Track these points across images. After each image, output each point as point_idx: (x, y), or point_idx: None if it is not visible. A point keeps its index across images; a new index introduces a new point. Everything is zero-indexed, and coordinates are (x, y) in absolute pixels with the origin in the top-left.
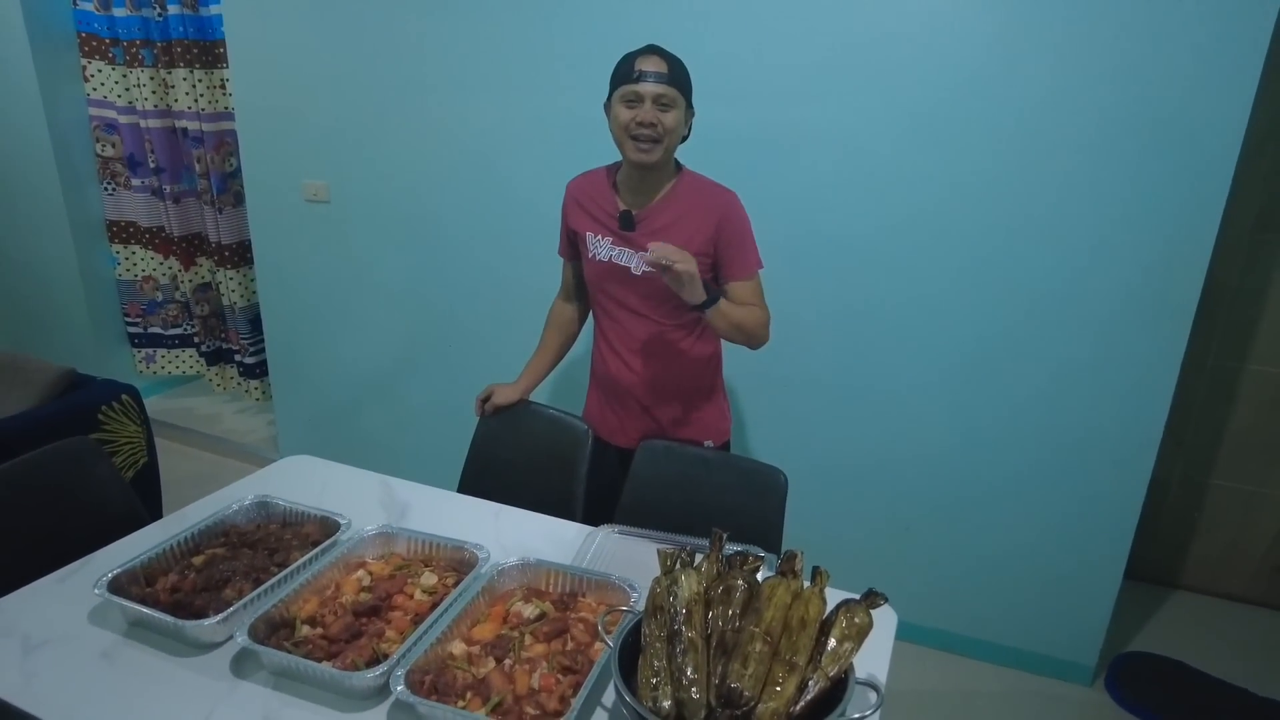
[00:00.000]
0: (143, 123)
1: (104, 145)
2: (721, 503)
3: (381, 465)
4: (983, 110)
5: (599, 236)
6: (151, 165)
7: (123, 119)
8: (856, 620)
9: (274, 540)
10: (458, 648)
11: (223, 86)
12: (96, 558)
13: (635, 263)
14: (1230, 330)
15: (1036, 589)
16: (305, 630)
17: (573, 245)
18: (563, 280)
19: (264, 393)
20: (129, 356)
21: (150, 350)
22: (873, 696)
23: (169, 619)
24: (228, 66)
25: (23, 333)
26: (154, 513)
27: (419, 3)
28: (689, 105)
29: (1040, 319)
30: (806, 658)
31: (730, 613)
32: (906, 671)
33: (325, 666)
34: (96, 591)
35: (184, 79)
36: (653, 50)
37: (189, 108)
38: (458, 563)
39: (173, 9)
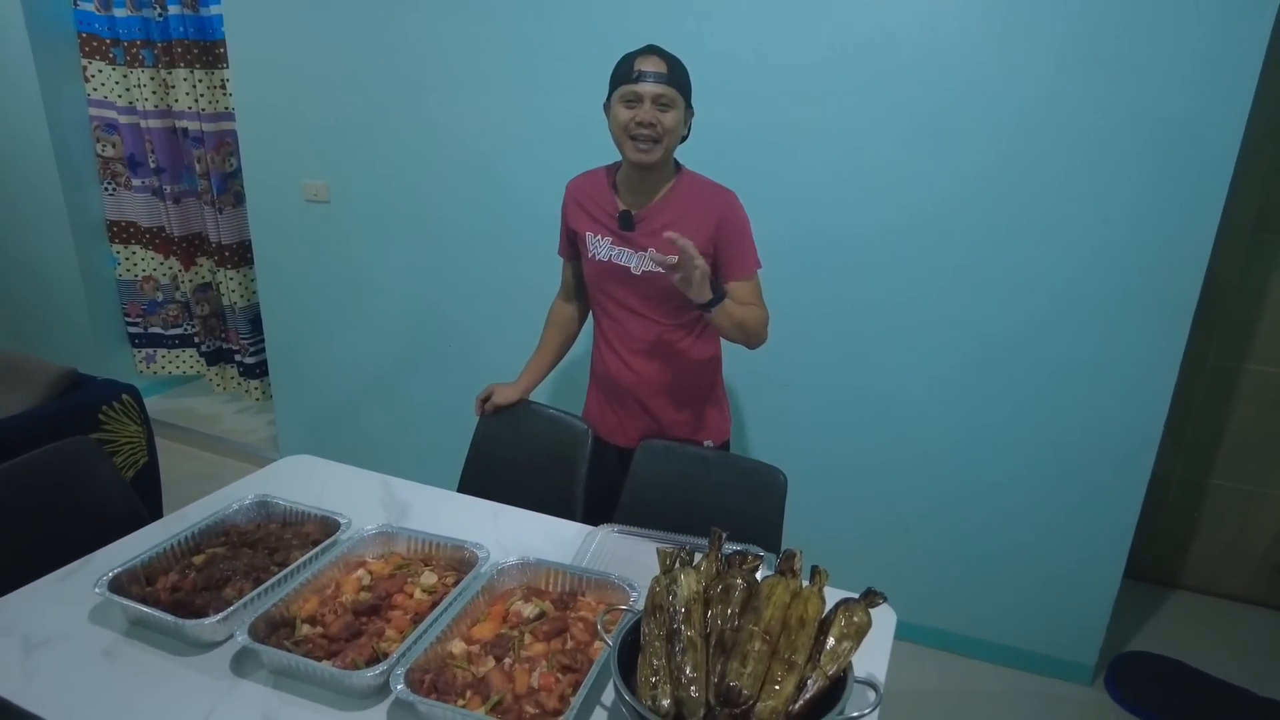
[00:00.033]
0: (143, 123)
1: (104, 145)
2: (721, 502)
3: (381, 465)
4: (982, 110)
5: (598, 236)
6: (152, 165)
7: (123, 119)
8: (855, 619)
9: (274, 540)
10: (457, 647)
11: (223, 87)
12: (97, 557)
13: (635, 262)
14: (1230, 330)
15: (1036, 588)
16: (305, 629)
17: (572, 245)
18: (562, 280)
19: (264, 393)
20: (129, 356)
21: (150, 350)
22: (871, 695)
23: (169, 618)
24: (228, 67)
25: (23, 332)
26: (154, 512)
27: (419, 3)
28: (688, 105)
29: (1039, 318)
30: (805, 656)
31: (729, 612)
32: (906, 671)
33: (325, 665)
34: (97, 591)
35: (184, 79)
36: (652, 50)
37: (189, 108)
38: (458, 562)
39: (173, 9)
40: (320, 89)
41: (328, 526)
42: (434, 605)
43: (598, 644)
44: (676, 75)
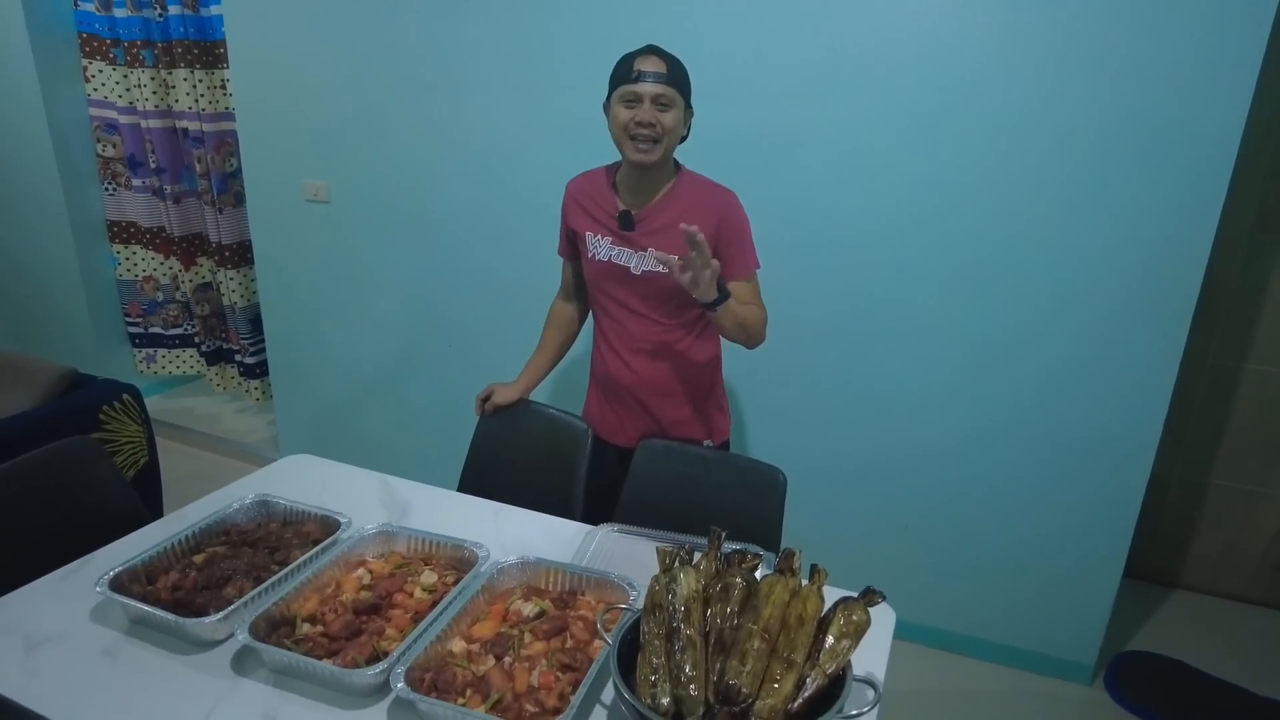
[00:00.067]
0: (143, 123)
1: (105, 145)
2: (721, 502)
3: (382, 465)
4: (982, 110)
5: (598, 236)
6: (152, 165)
7: (123, 119)
8: (854, 618)
9: (274, 539)
10: (458, 645)
11: (223, 87)
12: (98, 556)
13: (635, 262)
14: (1230, 329)
15: (1036, 588)
16: (306, 628)
17: (572, 245)
18: (562, 280)
19: (264, 392)
20: (129, 356)
21: (151, 350)
22: (870, 693)
23: (170, 617)
24: (228, 67)
25: (24, 332)
26: (155, 512)
27: (419, 3)
28: (688, 105)
29: (1039, 318)
30: (804, 655)
31: (728, 610)
32: (906, 671)
33: (326, 664)
34: (98, 590)
35: (184, 79)
36: (651, 50)
37: (189, 108)
38: (458, 561)
39: (173, 9)
40: (320, 89)
41: (328, 526)
42: (434, 604)
43: (597, 643)
44: (676, 75)
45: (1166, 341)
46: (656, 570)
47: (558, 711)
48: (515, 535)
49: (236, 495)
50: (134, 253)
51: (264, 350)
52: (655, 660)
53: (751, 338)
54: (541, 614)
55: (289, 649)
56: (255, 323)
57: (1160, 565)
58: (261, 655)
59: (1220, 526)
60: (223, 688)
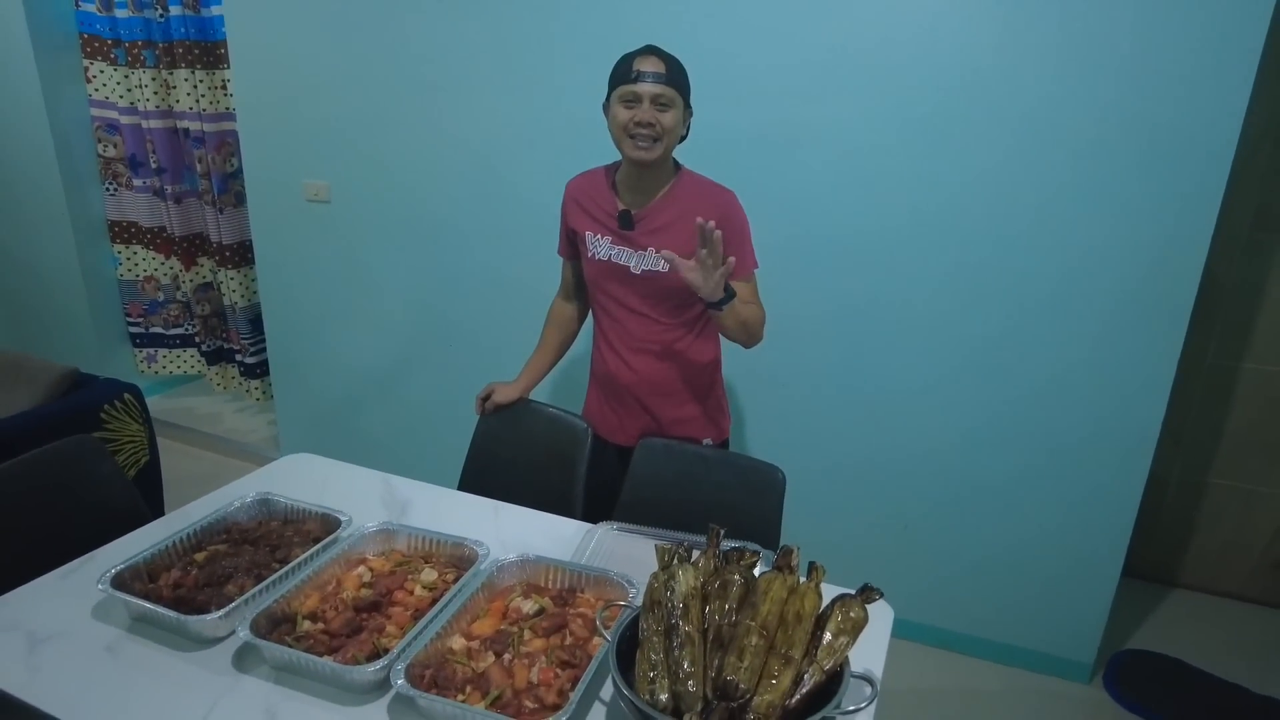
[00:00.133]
0: (144, 123)
1: (106, 146)
2: (720, 500)
3: (382, 464)
4: (981, 111)
5: (598, 236)
6: (153, 165)
7: (124, 119)
8: (852, 615)
9: (275, 537)
10: (457, 643)
11: (224, 87)
12: (99, 554)
13: (635, 262)
14: (1228, 329)
15: (1035, 587)
16: (306, 625)
17: (572, 244)
18: (562, 279)
19: (264, 392)
20: (130, 356)
21: (151, 350)
22: (867, 690)
23: (172, 614)
24: (229, 67)
25: (25, 332)
26: (156, 511)
27: (419, 3)
28: (687, 105)
29: (1038, 318)
30: (802, 651)
31: (726, 607)
32: (905, 669)
33: (326, 661)
34: (100, 587)
35: (185, 79)
36: (651, 50)
37: (190, 108)
38: (458, 559)
39: (174, 10)
40: (321, 89)
41: (329, 524)
42: (434, 602)
43: (596, 640)
44: (675, 75)
45: (1165, 341)
46: (655, 568)
47: (557, 708)
48: (515, 533)
49: (238, 494)
50: (135, 253)
51: (264, 350)
52: (654, 657)
53: (752, 337)
54: (541, 611)
55: (290, 646)
56: (256, 323)
57: (1159, 564)
58: (262, 652)
59: (1218, 525)
60: (224, 684)
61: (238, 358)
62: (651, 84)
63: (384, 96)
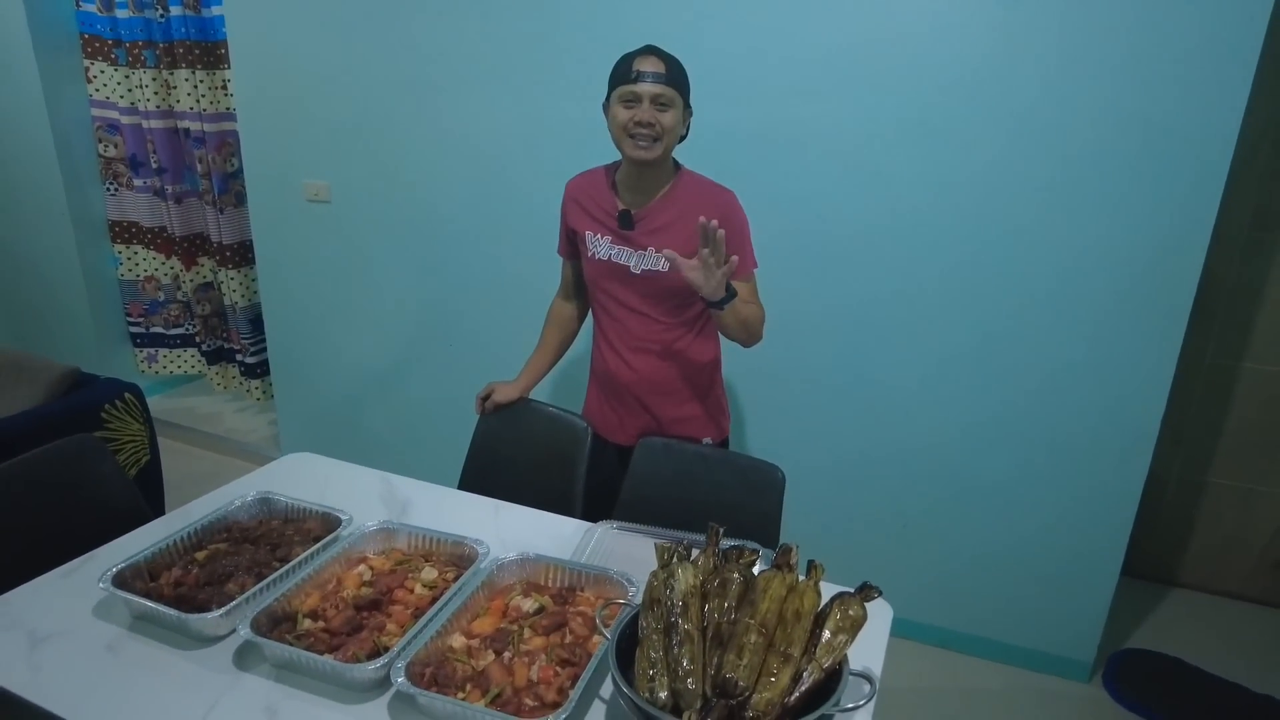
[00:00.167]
0: (145, 123)
1: (106, 146)
2: (720, 499)
3: (383, 463)
4: (979, 109)
5: (598, 235)
6: (153, 165)
7: (125, 119)
8: (850, 613)
9: (276, 536)
10: (457, 641)
11: (224, 87)
12: (100, 553)
13: (635, 261)
14: (1227, 328)
15: (1034, 586)
16: (307, 624)
17: (572, 244)
18: (562, 279)
19: (265, 392)
20: (131, 356)
21: (152, 350)
22: (866, 687)
23: (173, 613)
24: (229, 67)
25: (26, 332)
26: (156, 511)
27: (420, 2)
28: (687, 105)
29: (1037, 316)
30: (801, 649)
31: (726, 605)
32: (904, 668)
33: (327, 659)
34: (101, 586)
35: (186, 80)
36: (650, 50)
37: (191, 108)
38: (458, 558)
39: (175, 10)
40: (321, 89)
41: (329, 523)
42: (434, 600)
43: (596, 638)
44: (675, 75)
45: (1164, 340)
46: (655, 566)
47: (557, 706)
48: (515, 532)
49: (238, 493)
50: (135, 253)
51: (265, 350)
52: (653, 655)
53: (752, 336)
54: (541, 610)
55: (290, 644)
56: (256, 322)
57: (1158, 563)
58: (263, 650)
59: (1218, 524)
60: (225, 682)
61: (238, 357)
62: (651, 84)
63: (384, 96)
